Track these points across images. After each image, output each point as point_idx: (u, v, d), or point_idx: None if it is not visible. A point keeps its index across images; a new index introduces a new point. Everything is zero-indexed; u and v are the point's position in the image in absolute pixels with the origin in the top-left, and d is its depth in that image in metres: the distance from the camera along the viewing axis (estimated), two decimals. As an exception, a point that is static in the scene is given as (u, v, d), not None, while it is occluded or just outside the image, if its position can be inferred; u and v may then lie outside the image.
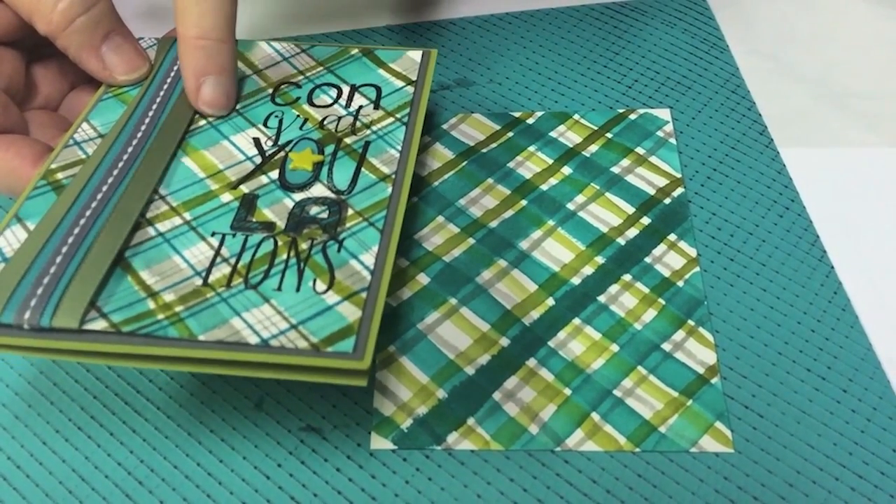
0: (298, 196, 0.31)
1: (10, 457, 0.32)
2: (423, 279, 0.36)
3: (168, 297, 0.27)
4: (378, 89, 0.35)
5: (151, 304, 0.27)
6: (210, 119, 0.34)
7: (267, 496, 0.30)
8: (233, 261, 0.29)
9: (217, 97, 0.33)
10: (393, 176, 0.32)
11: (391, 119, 0.34)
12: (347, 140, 0.33)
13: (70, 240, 0.28)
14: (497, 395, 0.32)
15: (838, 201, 0.38)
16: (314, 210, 0.31)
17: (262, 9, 0.48)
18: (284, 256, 0.29)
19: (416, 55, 0.37)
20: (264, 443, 0.32)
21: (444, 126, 0.41)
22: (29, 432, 0.32)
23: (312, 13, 0.48)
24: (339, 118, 0.34)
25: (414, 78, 0.36)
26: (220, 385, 0.33)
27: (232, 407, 0.33)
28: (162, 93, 0.34)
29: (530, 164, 0.40)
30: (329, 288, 0.28)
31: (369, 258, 0.29)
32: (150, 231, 0.30)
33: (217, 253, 0.29)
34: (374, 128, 0.34)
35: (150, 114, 0.33)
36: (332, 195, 0.31)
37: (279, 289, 0.28)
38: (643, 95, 0.42)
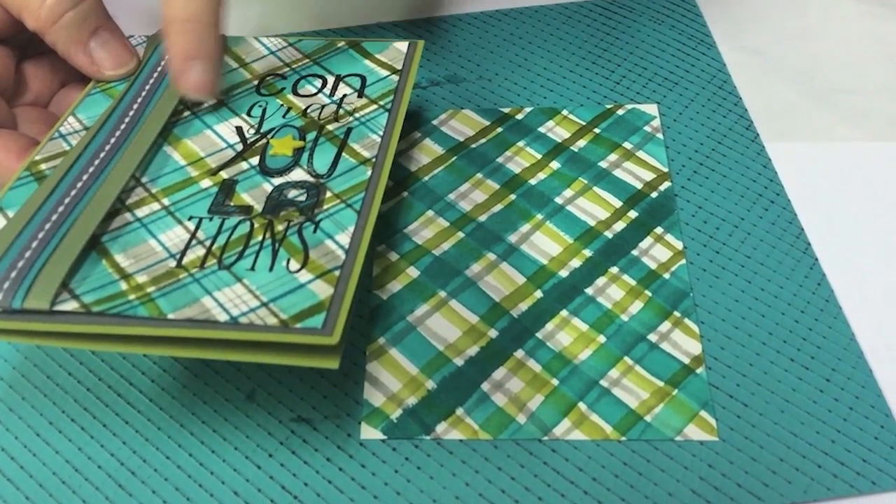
0: (277, 181, 0.31)
1: (4, 448, 0.32)
2: (412, 272, 0.36)
3: (141, 278, 0.28)
4: (363, 79, 0.36)
5: (124, 286, 0.27)
6: (194, 110, 0.34)
7: (258, 485, 0.31)
8: (208, 243, 0.29)
9: (203, 82, 0.33)
10: (373, 160, 0.32)
11: (374, 106, 0.34)
12: (329, 127, 0.34)
13: (47, 226, 0.29)
14: (485, 386, 0.33)
15: (823, 195, 0.39)
16: (292, 193, 0.31)
17: (247, 9, 0.49)
18: (260, 238, 0.29)
19: (402, 46, 0.37)
20: (255, 433, 0.32)
21: (434, 122, 0.42)
22: (23, 424, 0.33)
23: (300, 12, 0.48)
24: (323, 106, 0.35)
25: (399, 67, 0.36)
26: (211, 376, 0.34)
27: (223, 398, 0.33)
28: (147, 86, 0.34)
29: (519, 159, 0.40)
30: (302, 267, 0.28)
31: (344, 238, 0.29)
32: (128, 216, 0.30)
33: (193, 236, 0.29)
34: (357, 115, 0.34)
35: (135, 106, 0.34)
36: (312, 179, 0.31)
37: (252, 269, 0.28)
38: (631, 91, 0.43)
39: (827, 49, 0.45)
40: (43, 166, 0.31)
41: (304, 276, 0.28)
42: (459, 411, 0.32)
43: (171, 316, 0.26)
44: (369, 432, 0.32)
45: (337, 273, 0.28)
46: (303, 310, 0.26)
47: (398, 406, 0.32)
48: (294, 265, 0.28)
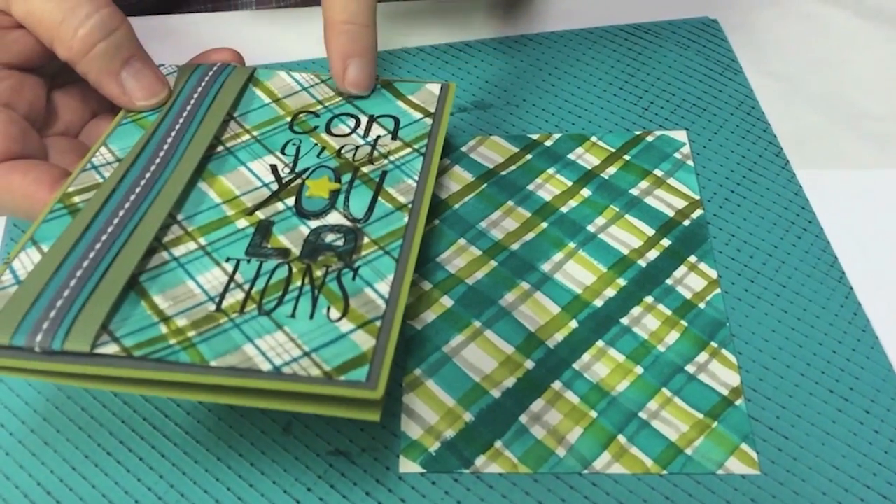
0: (314, 223, 0.31)
1: (40, 483, 0.32)
2: (446, 302, 0.36)
3: (181, 321, 0.28)
4: (396, 120, 0.36)
5: (164, 329, 0.27)
6: (228, 145, 0.34)
7: (297, 521, 0.31)
8: (247, 287, 0.29)
9: (361, 78, 0.36)
10: (409, 205, 0.32)
11: (409, 149, 0.34)
12: (364, 169, 0.34)
13: (85, 263, 0.28)
14: (524, 418, 0.33)
15: (854, 222, 0.39)
16: (330, 237, 0.31)
17: (258, 30, 0.49)
18: (299, 283, 0.29)
19: (434, 88, 0.37)
20: (293, 467, 0.32)
21: (463, 149, 0.42)
22: (58, 458, 0.32)
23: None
24: (357, 147, 0.35)
25: (432, 110, 0.36)
26: (247, 409, 0.33)
27: (260, 431, 0.33)
28: (182, 119, 0.34)
29: (550, 186, 0.40)
30: (343, 316, 0.28)
31: (384, 287, 0.29)
32: (165, 255, 0.30)
33: (231, 279, 0.29)
34: (392, 158, 0.34)
35: (169, 139, 0.33)
36: (349, 223, 0.31)
37: (293, 315, 0.28)
38: (659, 117, 0.43)
39: (853, 75, 0.45)
40: (76, 199, 0.31)
41: (346, 325, 0.28)
42: (498, 444, 0.32)
43: (213, 363, 0.26)
44: (408, 466, 0.32)
45: (378, 324, 0.28)
46: (346, 361, 0.26)
47: (436, 439, 0.32)
48: (335, 313, 0.28)
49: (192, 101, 0.35)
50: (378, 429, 0.33)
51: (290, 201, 0.32)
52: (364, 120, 0.36)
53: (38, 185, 0.32)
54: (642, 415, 0.33)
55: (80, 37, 0.33)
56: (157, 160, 0.33)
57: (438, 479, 0.31)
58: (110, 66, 0.34)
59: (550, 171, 0.41)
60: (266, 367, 0.26)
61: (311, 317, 0.28)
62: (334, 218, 0.32)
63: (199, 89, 0.36)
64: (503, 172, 0.41)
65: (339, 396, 0.26)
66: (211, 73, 0.36)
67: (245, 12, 0.51)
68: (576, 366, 0.34)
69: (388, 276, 0.29)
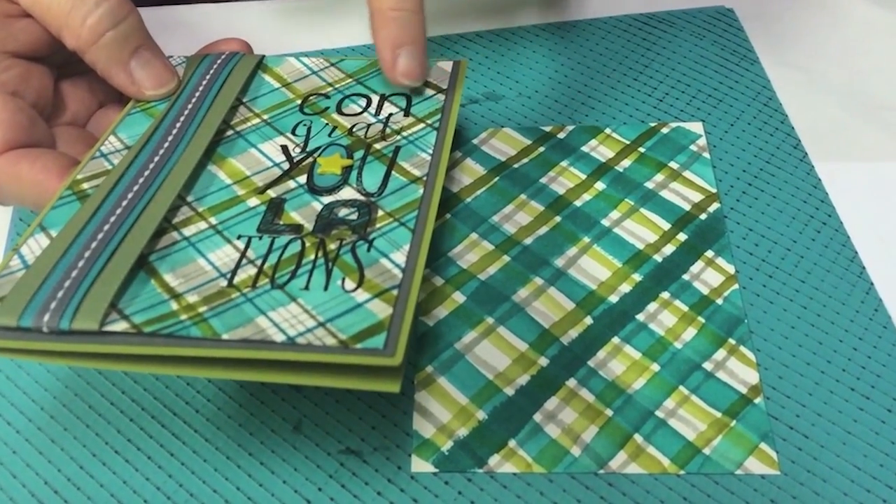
0: (327, 199, 0.31)
1: (48, 481, 0.31)
2: (458, 297, 0.35)
3: (191, 298, 0.27)
4: (408, 98, 0.35)
5: (174, 305, 0.27)
6: (238, 129, 0.34)
7: (308, 521, 0.30)
8: (259, 262, 0.28)
9: (412, 67, 0.34)
10: (424, 178, 0.31)
11: (422, 125, 0.34)
12: (377, 146, 0.33)
13: (93, 245, 0.28)
14: (538, 417, 0.32)
15: (875, 216, 0.38)
16: (343, 212, 0.30)
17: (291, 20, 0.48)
18: (312, 257, 0.29)
19: (446, 65, 0.37)
20: (304, 466, 0.31)
21: (475, 141, 0.41)
22: (66, 456, 0.32)
23: (335, 27, 0.47)
24: (369, 125, 0.34)
25: (444, 87, 0.36)
26: (257, 407, 0.33)
27: (270, 430, 0.32)
28: (190, 106, 0.34)
29: (563, 179, 0.39)
30: (358, 286, 0.27)
31: (400, 256, 0.28)
32: (175, 235, 0.29)
33: (243, 255, 0.29)
34: (405, 133, 0.34)
35: (178, 126, 0.33)
36: (362, 197, 0.31)
37: (306, 288, 0.27)
38: (674, 109, 0.42)
39: (870, 65, 0.44)
40: (85, 185, 0.31)
41: (361, 295, 0.27)
42: (512, 443, 0.31)
43: (225, 336, 0.26)
44: (420, 465, 0.31)
45: (395, 292, 0.27)
46: (362, 330, 0.26)
47: (449, 437, 0.32)
48: (349, 284, 0.27)
49: (201, 89, 0.35)
50: (389, 427, 0.32)
51: (302, 179, 0.32)
52: (375, 99, 0.35)
53: (46, 174, 0.31)
54: (659, 413, 0.32)
55: (88, 25, 0.32)
56: (166, 145, 0.32)
57: (451, 478, 0.31)
58: (119, 56, 0.33)
59: (564, 163, 0.40)
60: (280, 337, 0.25)
61: (326, 288, 0.27)
62: (347, 193, 0.31)
63: (208, 77, 0.35)
64: (515, 165, 0.40)
65: (356, 365, 0.25)
66: (219, 62, 0.36)
67: (255, 3, 0.50)
68: (591, 363, 0.33)
69: (405, 246, 0.29)
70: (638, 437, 0.31)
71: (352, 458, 0.32)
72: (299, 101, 0.35)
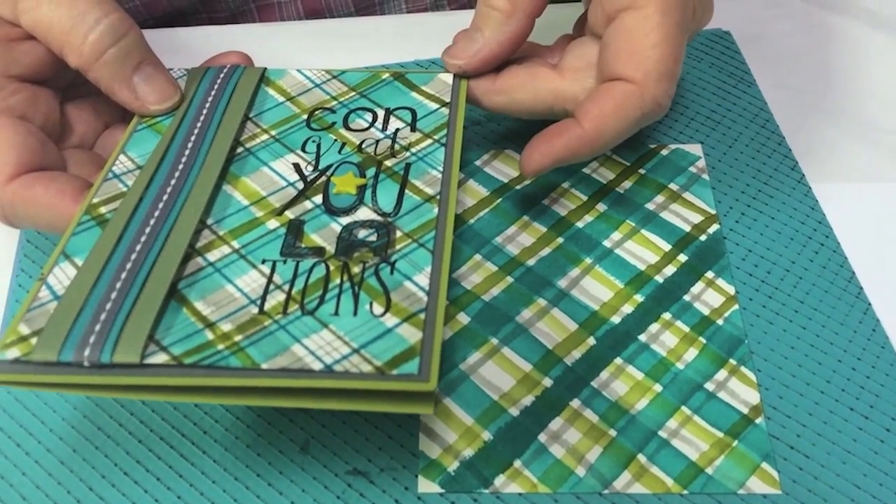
0: (345, 220, 0.31)
1: (57, 502, 0.32)
2: (463, 318, 0.36)
3: (226, 326, 0.28)
4: (413, 112, 0.36)
5: (210, 335, 0.27)
6: (247, 146, 0.34)
7: (316, 542, 0.30)
8: (286, 287, 0.29)
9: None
10: (437, 196, 0.32)
11: (429, 140, 0.34)
12: (388, 163, 0.34)
13: (123, 275, 0.28)
14: (542, 437, 0.32)
15: (871, 237, 0.38)
16: (362, 233, 0.31)
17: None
18: (338, 281, 0.29)
19: (447, 77, 0.37)
20: (312, 487, 0.32)
21: (477, 162, 0.42)
22: (75, 478, 0.32)
23: (337, 46, 0.48)
24: (377, 141, 0.35)
25: (447, 100, 0.36)
26: (264, 428, 0.33)
27: (278, 451, 0.33)
28: (199, 123, 0.34)
29: (565, 200, 0.40)
30: (386, 310, 0.28)
31: (423, 279, 0.29)
32: (201, 261, 0.30)
33: (270, 280, 0.29)
34: (413, 150, 0.34)
35: (190, 144, 0.33)
36: (379, 218, 0.31)
37: (336, 313, 0.28)
38: (673, 131, 0.43)
39: (866, 87, 0.45)
40: (102, 209, 0.31)
41: (390, 320, 0.28)
42: (517, 463, 0.32)
43: (264, 366, 0.26)
44: (427, 486, 0.32)
45: (422, 316, 0.28)
46: (396, 355, 0.26)
47: (455, 458, 0.32)
48: (378, 308, 0.28)
49: (208, 104, 0.35)
50: (396, 447, 0.33)
51: (318, 199, 0.32)
52: (381, 113, 0.36)
53: (61, 197, 0.32)
54: (662, 433, 0.32)
55: (90, 42, 0.33)
56: (181, 166, 0.33)
57: (458, 498, 0.31)
58: (122, 72, 0.34)
59: (565, 185, 0.40)
60: (317, 366, 0.26)
61: (355, 314, 0.28)
62: (364, 213, 0.32)
63: (214, 91, 0.36)
64: (518, 187, 0.41)
65: (391, 391, 0.26)
66: (223, 75, 0.36)
67: (257, 26, 0.50)
68: (594, 383, 0.34)
69: (426, 269, 0.29)
70: (641, 458, 0.32)
71: (359, 478, 0.32)
72: (305, 116, 0.36)
